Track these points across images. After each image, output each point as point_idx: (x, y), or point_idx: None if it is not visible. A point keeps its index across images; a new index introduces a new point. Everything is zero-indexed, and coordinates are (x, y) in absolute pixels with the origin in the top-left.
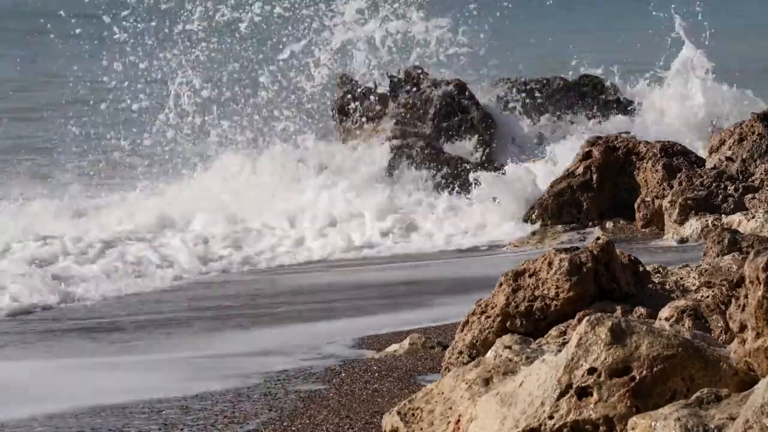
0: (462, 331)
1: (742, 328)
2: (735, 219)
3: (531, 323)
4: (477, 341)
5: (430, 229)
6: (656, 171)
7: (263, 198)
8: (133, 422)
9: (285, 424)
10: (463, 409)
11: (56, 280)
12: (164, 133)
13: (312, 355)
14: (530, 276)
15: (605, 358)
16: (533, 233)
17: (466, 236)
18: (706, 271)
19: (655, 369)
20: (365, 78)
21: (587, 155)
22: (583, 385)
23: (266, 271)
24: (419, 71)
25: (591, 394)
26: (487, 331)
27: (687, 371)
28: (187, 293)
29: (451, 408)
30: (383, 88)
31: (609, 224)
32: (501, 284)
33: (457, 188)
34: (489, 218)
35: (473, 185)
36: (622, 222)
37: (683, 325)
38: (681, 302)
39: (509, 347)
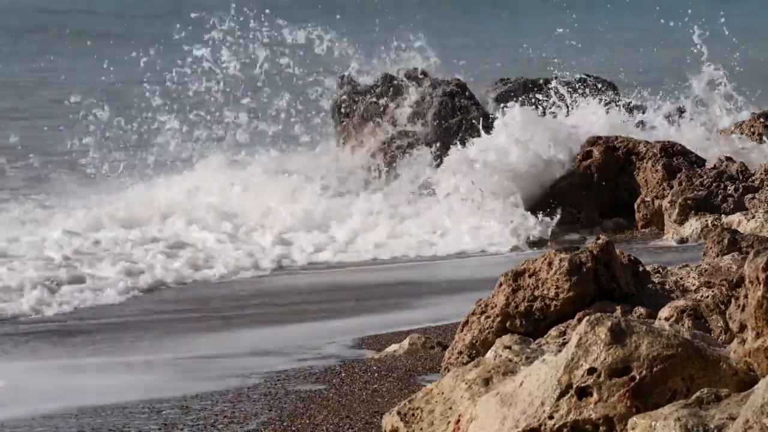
0: (462, 331)
1: (742, 328)
2: (735, 219)
3: (531, 323)
4: (477, 341)
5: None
6: (656, 171)
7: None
8: (133, 422)
9: (285, 424)
10: (463, 409)
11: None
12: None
13: (312, 355)
14: (530, 276)
15: (605, 358)
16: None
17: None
18: (705, 271)
19: (655, 369)
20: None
21: (587, 155)
22: (583, 385)
23: (269, 273)
24: (418, 71)
25: (591, 394)
26: (487, 331)
27: (687, 371)
28: (187, 294)
29: (451, 408)
30: (383, 88)
31: (609, 224)
32: (501, 284)
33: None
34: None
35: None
36: (622, 222)
37: (683, 325)
38: (681, 302)
39: (509, 347)
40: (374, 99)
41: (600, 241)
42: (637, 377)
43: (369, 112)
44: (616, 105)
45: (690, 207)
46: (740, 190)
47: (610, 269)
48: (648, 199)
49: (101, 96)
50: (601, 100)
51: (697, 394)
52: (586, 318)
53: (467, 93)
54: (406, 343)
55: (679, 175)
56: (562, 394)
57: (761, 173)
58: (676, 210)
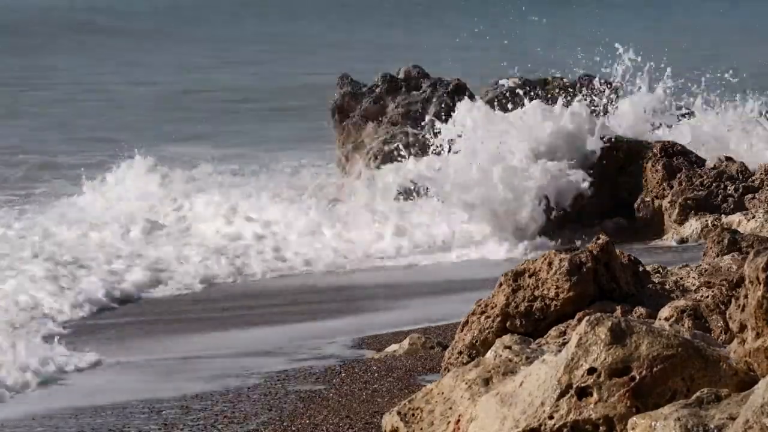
0: (462, 331)
1: (742, 328)
2: (735, 219)
3: (531, 323)
4: (477, 341)
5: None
6: (656, 171)
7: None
8: (133, 422)
9: (285, 424)
10: (463, 409)
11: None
12: None
13: (312, 355)
14: (530, 276)
15: (605, 358)
16: None
17: None
18: (705, 271)
19: (655, 369)
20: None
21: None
22: (583, 385)
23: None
24: (418, 71)
25: (591, 394)
26: (487, 331)
27: (687, 371)
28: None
29: (451, 408)
30: (382, 88)
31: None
32: (501, 284)
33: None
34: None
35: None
36: (622, 222)
37: (683, 325)
38: (681, 302)
39: (509, 347)
40: (374, 99)
41: (600, 241)
42: (637, 377)
43: (369, 112)
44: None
45: (690, 207)
46: (740, 190)
47: (610, 269)
48: (648, 199)
49: None
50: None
51: (697, 394)
52: (586, 318)
53: (467, 93)
54: (406, 343)
55: (679, 175)
56: (562, 394)
57: (761, 173)
58: (676, 210)
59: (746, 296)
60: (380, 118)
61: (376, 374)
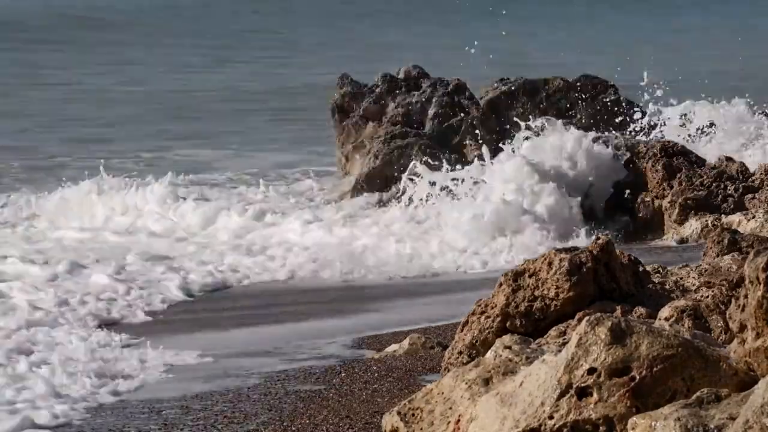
0: (462, 331)
1: (742, 328)
2: (735, 219)
3: (531, 323)
4: (477, 341)
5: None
6: (656, 171)
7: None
8: (133, 422)
9: (285, 424)
10: (463, 409)
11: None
12: None
13: (312, 355)
14: (530, 276)
15: (605, 358)
16: None
17: None
18: (705, 271)
19: (655, 369)
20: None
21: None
22: (583, 385)
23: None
24: (418, 71)
25: (591, 394)
26: (487, 331)
27: (687, 371)
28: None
29: (451, 408)
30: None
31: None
32: (501, 284)
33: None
34: None
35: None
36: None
37: (683, 325)
38: (681, 302)
39: (509, 347)
40: (374, 99)
41: (600, 241)
42: (637, 377)
43: (369, 112)
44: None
45: (690, 207)
46: (740, 190)
47: (610, 269)
48: (648, 199)
49: None
50: None
51: (697, 394)
52: (586, 318)
53: (467, 93)
54: (406, 343)
55: (679, 175)
56: (562, 394)
57: (761, 173)
58: (676, 210)
59: (746, 296)
60: (380, 118)
61: (376, 374)
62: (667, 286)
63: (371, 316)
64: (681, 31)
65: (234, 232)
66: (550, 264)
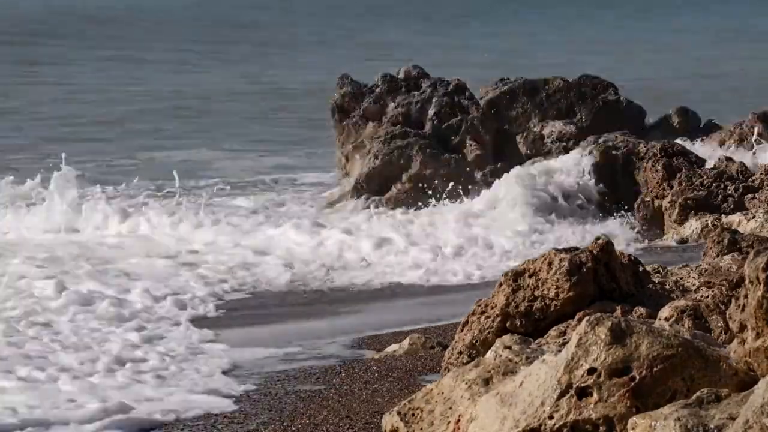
0: (462, 331)
1: (742, 328)
2: (735, 219)
3: (531, 323)
4: (477, 341)
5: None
6: (656, 171)
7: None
8: None
9: (285, 424)
10: (463, 409)
11: None
12: None
13: (312, 355)
14: (530, 276)
15: (605, 358)
16: None
17: None
18: (705, 271)
19: (655, 369)
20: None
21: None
22: (583, 385)
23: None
24: (418, 71)
25: (591, 394)
26: (487, 331)
27: (687, 371)
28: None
29: (451, 408)
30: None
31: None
32: (501, 284)
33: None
34: None
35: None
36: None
37: (683, 325)
38: (681, 302)
39: (509, 347)
40: (374, 99)
41: (600, 241)
42: (637, 377)
43: (369, 112)
44: None
45: (690, 207)
46: (740, 190)
47: (610, 269)
48: (648, 199)
49: None
50: None
51: (697, 394)
52: (586, 318)
53: (467, 93)
54: (406, 343)
55: (679, 175)
56: (562, 394)
57: (761, 173)
58: (676, 210)
59: (746, 296)
60: (380, 118)
61: (376, 374)
62: (667, 286)
63: (371, 316)
64: (681, 32)
65: (234, 232)
66: (550, 264)
